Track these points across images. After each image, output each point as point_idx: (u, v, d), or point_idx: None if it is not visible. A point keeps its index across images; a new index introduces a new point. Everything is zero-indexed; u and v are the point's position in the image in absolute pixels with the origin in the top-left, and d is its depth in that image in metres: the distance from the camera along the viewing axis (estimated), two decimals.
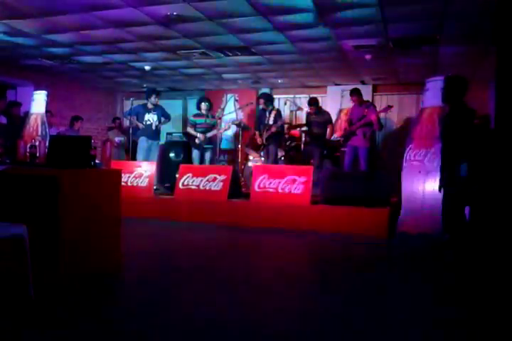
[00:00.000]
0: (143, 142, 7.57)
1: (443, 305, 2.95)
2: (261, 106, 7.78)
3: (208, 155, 7.85)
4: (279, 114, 7.75)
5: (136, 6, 5.25)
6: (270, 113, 7.63)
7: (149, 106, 7.62)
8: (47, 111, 8.38)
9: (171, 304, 2.82)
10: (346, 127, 7.28)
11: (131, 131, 7.81)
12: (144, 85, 10.76)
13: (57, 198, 3.01)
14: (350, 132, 7.10)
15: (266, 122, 7.61)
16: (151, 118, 7.56)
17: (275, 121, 7.56)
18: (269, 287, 3.28)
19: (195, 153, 7.81)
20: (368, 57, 7.23)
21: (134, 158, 7.72)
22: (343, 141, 7.29)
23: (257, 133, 7.81)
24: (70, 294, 2.94)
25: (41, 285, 2.87)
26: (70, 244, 3.09)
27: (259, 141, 7.68)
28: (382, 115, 7.76)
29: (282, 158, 8.04)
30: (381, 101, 9.83)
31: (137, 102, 8.25)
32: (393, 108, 7.17)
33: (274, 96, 10.86)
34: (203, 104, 7.83)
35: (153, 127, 7.60)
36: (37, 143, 3.75)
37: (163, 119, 7.81)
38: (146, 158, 7.48)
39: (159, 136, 7.77)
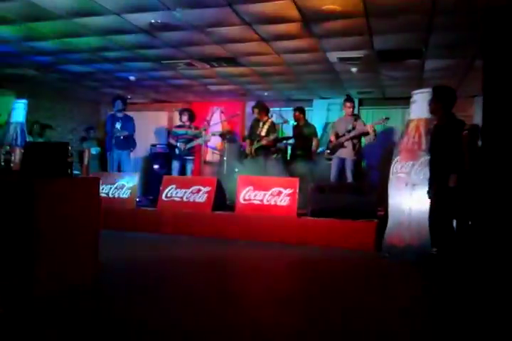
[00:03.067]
0: (113, 153, 7.35)
1: (432, 321, 2.84)
2: (256, 116, 7.56)
3: (189, 167, 7.70)
4: (272, 126, 7.51)
5: (120, 13, 5.16)
6: (264, 124, 7.45)
7: (118, 114, 7.38)
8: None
9: (147, 318, 2.66)
10: (333, 139, 7.18)
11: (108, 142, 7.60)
12: (129, 96, 10.64)
13: (31, 208, 2.85)
14: (339, 144, 7.00)
15: (258, 133, 7.46)
16: (117, 127, 7.36)
17: (267, 132, 7.39)
18: (252, 301, 3.14)
19: (175, 164, 7.67)
20: (353, 69, 7.23)
21: (105, 170, 7.51)
22: (330, 153, 7.20)
23: (247, 141, 7.61)
24: (43, 307, 2.76)
25: (14, 297, 2.70)
26: (45, 255, 2.93)
27: (247, 150, 7.51)
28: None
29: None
30: (367, 115, 9.85)
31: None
32: (388, 120, 7.07)
33: None
34: (182, 116, 7.72)
35: (121, 137, 7.40)
36: (12, 150, 3.59)
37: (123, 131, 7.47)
38: (118, 170, 7.28)
39: (129, 145, 7.53)
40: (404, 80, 7.98)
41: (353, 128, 6.88)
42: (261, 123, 7.43)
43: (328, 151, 7.17)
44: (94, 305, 2.98)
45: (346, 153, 6.94)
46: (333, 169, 7.08)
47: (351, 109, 7.11)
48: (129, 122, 7.56)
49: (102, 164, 8.49)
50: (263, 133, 7.35)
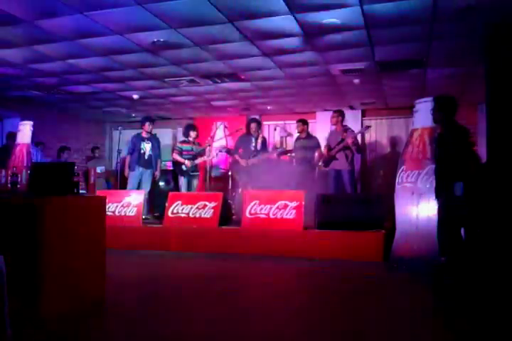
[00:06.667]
0: (134, 170, 7.39)
1: (441, 331, 2.79)
2: (252, 131, 7.62)
3: (195, 183, 7.70)
4: (265, 140, 7.78)
5: (123, 33, 5.24)
6: (257, 139, 7.57)
7: (144, 135, 7.47)
8: (40, 142, 8.28)
9: (156, 335, 2.63)
10: (325, 152, 7.23)
11: (119, 161, 7.66)
12: (133, 115, 10.73)
13: (36, 227, 2.85)
14: (331, 157, 7.04)
15: (253, 148, 7.53)
16: (144, 147, 7.43)
17: (262, 147, 7.53)
18: (263, 321, 3.10)
19: (182, 180, 7.66)
20: (356, 81, 7.26)
21: (122, 187, 7.53)
22: (324, 166, 7.23)
23: (236, 156, 7.63)
24: (50, 329, 2.74)
25: (20, 320, 2.68)
26: (50, 276, 2.91)
27: (243, 162, 7.52)
28: (360, 136, 7.72)
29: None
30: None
31: (125, 132, 8.15)
32: (371, 128, 7.12)
33: (264, 122, 10.91)
34: (191, 131, 7.72)
35: (146, 156, 7.46)
36: (18, 171, 3.61)
37: (154, 155, 7.51)
38: (137, 187, 7.31)
39: (152, 165, 7.58)
40: (407, 90, 8.00)
41: (342, 140, 6.90)
42: (253, 138, 7.56)
43: (322, 165, 7.22)
44: (102, 324, 2.96)
45: (340, 164, 6.97)
46: (331, 181, 7.10)
47: (334, 120, 7.17)
48: (158, 144, 7.64)
49: (107, 181, 8.48)
50: (259, 148, 7.52)
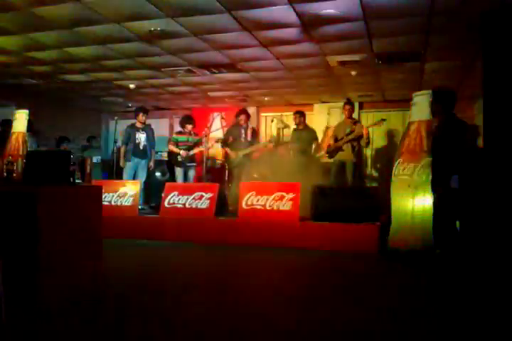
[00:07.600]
0: (130, 160, 7.38)
1: (435, 322, 2.81)
2: (242, 122, 7.58)
3: (191, 173, 7.69)
4: (255, 131, 7.77)
5: (120, 22, 5.19)
6: (246, 130, 7.56)
7: (138, 125, 7.47)
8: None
9: (151, 325, 2.64)
10: (330, 143, 7.22)
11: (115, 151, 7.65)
12: (129, 104, 10.68)
13: (31, 216, 2.84)
14: (337, 148, 7.04)
15: (243, 140, 7.50)
16: (139, 137, 7.43)
17: (252, 138, 7.53)
18: (258, 310, 3.12)
19: (178, 171, 7.65)
20: (353, 73, 7.24)
21: (118, 177, 7.52)
22: (329, 157, 7.23)
23: (227, 149, 7.59)
24: (45, 319, 2.74)
25: (16, 309, 2.69)
26: (48, 264, 2.92)
27: (233, 154, 7.51)
28: (373, 128, 7.72)
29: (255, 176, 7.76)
30: (367, 119, 9.87)
31: (122, 122, 8.11)
32: (385, 121, 7.10)
33: (261, 114, 10.89)
34: (188, 124, 7.68)
35: (141, 147, 7.45)
36: (14, 159, 3.59)
37: (148, 146, 7.56)
38: (133, 177, 7.31)
39: (147, 155, 7.57)
40: (404, 83, 7.99)
41: (351, 131, 6.90)
42: (242, 130, 7.53)
43: (327, 155, 7.21)
44: (98, 314, 2.97)
45: (346, 155, 6.97)
46: (335, 172, 7.11)
47: (347, 112, 7.15)
48: (152, 134, 7.65)
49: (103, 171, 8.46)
50: (249, 139, 7.50)
